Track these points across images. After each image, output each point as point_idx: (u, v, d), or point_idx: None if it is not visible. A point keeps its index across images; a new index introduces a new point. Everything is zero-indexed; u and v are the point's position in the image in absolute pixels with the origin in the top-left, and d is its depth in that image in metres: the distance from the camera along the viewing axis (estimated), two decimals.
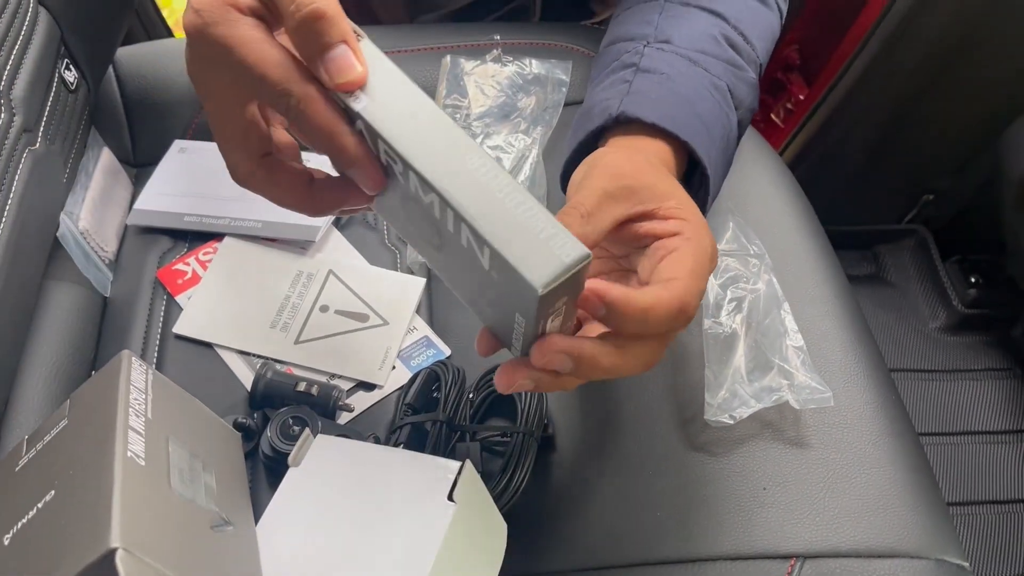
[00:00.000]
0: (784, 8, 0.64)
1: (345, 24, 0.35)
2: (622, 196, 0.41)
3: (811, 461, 0.52)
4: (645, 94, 0.52)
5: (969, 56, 0.94)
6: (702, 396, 0.53)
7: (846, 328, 0.59)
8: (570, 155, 0.55)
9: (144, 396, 0.42)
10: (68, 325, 0.58)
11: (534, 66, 0.70)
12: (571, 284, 0.34)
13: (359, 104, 0.35)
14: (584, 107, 0.56)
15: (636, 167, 0.43)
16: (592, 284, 0.36)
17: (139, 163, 0.70)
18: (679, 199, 0.42)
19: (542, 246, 0.33)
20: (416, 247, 0.42)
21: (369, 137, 0.36)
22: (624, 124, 0.51)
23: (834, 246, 0.66)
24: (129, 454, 0.38)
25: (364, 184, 0.38)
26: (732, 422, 0.52)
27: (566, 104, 0.69)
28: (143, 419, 0.41)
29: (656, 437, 0.53)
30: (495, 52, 0.70)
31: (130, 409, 0.40)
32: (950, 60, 0.95)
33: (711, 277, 0.56)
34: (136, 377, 0.43)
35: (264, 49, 0.36)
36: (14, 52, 0.52)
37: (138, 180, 0.69)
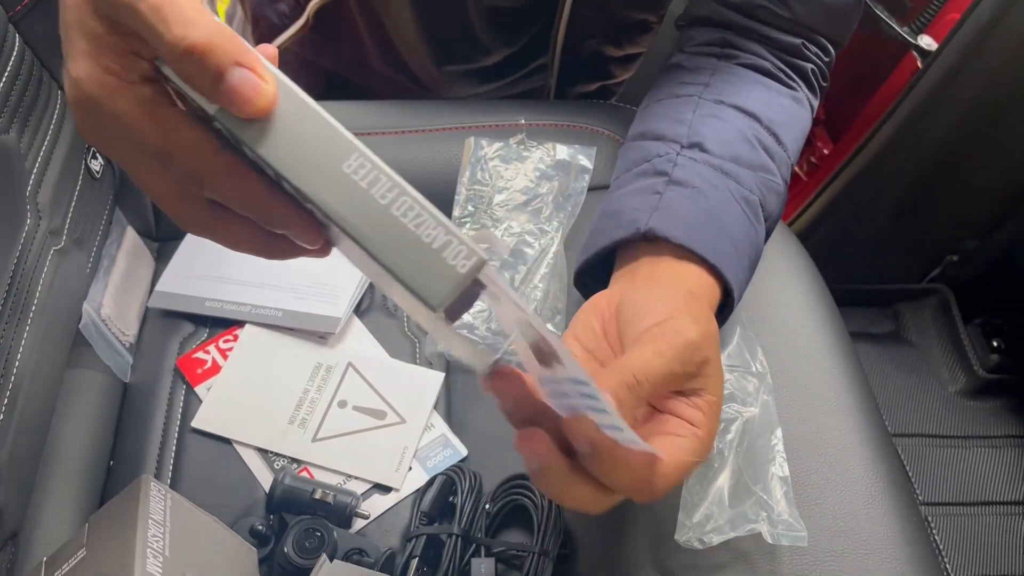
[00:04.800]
0: (815, 104, 0.64)
1: (233, 45, 0.30)
2: (683, 378, 0.40)
3: None
4: (675, 211, 0.51)
5: (1001, 123, 0.93)
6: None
7: (868, 442, 0.58)
8: (591, 257, 0.54)
9: (162, 530, 0.43)
10: (87, 413, 0.59)
11: (558, 151, 0.69)
12: (471, 292, 0.31)
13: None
14: (609, 208, 0.55)
15: (706, 338, 0.41)
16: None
17: (162, 237, 0.70)
18: (712, 369, 0.41)
19: (435, 257, 0.30)
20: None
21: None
22: (651, 240, 0.50)
23: (855, 303, 0.64)
24: None
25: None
26: (701, 547, 0.50)
27: (589, 189, 0.69)
28: (161, 558, 0.41)
29: (674, 559, 0.53)
30: (519, 136, 0.69)
31: (148, 550, 0.41)
32: (981, 127, 0.93)
33: None
34: (155, 507, 0.43)
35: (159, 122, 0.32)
36: (40, 156, 0.52)
37: (160, 255, 0.69)
